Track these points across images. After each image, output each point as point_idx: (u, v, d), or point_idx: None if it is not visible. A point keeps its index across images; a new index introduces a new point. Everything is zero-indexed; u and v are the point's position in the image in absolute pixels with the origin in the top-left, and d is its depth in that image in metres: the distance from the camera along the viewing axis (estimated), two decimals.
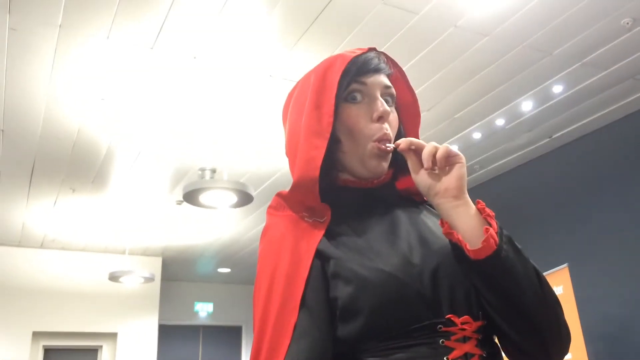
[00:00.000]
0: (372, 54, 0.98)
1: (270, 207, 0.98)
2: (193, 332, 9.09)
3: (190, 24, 2.99)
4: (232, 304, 9.20)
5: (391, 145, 0.93)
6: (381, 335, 0.83)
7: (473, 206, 0.86)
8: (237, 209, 4.97)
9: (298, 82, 1.04)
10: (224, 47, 3.20)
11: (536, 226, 4.63)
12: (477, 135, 4.44)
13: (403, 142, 0.90)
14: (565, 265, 4.06)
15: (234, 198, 4.25)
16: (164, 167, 4.68)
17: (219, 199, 4.27)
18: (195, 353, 9.08)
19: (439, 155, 0.86)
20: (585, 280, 4.03)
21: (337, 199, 0.96)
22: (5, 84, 3.40)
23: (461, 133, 4.39)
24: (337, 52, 3.33)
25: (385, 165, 0.96)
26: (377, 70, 0.97)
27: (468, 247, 0.82)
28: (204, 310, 9.17)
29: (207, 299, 9.14)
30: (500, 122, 4.25)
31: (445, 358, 0.82)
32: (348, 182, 0.98)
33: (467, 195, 0.87)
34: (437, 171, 0.88)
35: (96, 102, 3.66)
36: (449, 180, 0.86)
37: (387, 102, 0.97)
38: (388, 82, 0.98)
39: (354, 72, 0.95)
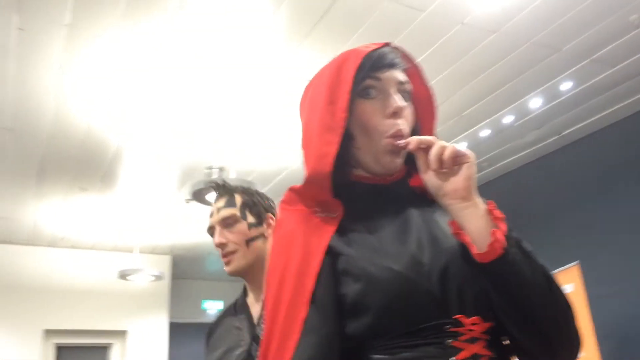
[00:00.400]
0: (387, 49, 0.97)
1: (282, 201, 0.98)
2: (204, 330, 9.10)
3: (197, 23, 2.99)
4: None
5: (405, 142, 0.92)
6: (388, 334, 0.82)
7: (482, 207, 0.84)
8: None
9: (314, 77, 1.02)
10: (231, 46, 3.20)
11: (546, 224, 4.60)
12: (485, 133, 4.41)
13: (412, 141, 0.88)
14: (575, 262, 4.03)
15: None
16: (172, 165, 4.69)
17: None
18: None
19: (445, 156, 0.84)
20: (596, 278, 4.00)
21: (349, 195, 0.95)
22: (14, 83, 3.43)
23: (469, 130, 4.36)
24: (343, 50, 3.33)
25: (399, 161, 0.95)
26: (392, 66, 0.96)
27: (474, 250, 0.81)
28: (213, 308, 9.20)
29: (216, 297, 9.16)
30: (508, 119, 4.23)
31: (452, 358, 0.81)
32: (361, 178, 0.97)
33: (477, 196, 0.85)
34: (445, 171, 0.86)
35: (104, 101, 3.68)
36: (457, 181, 0.85)
37: (402, 97, 0.96)
38: (403, 78, 0.97)
39: (369, 68, 0.94)
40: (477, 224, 0.82)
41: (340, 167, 0.94)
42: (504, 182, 5.19)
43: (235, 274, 1.53)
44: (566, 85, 3.81)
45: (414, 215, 0.94)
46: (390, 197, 0.96)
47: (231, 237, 1.52)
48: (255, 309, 1.52)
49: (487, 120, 4.23)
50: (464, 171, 0.85)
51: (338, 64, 0.96)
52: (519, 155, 4.88)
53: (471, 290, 0.85)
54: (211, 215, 1.60)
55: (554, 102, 4.02)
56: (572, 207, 4.50)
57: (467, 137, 4.44)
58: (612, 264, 4.06)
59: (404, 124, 0.95)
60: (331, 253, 0.88)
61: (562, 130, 4.48)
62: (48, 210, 5.62)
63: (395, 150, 0.93)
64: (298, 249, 0.88)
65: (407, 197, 0.97)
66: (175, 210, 5.76)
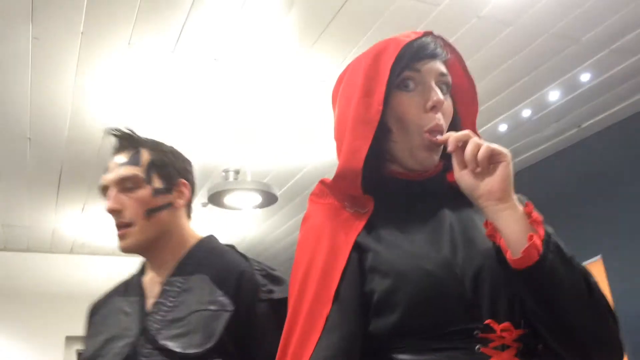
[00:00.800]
0: (428, 39, 0.93)
1: (312, 194, 0.96)
2: None
3: (209, 26, 2.98)
4: None
5: (443, 138, 0.87)
6: (415, 334, 0.80)
7: (520, 209, 0.80)
8: (262, 209, 4.96)
9: (349, 65, 0.99)
10: (244, 48, 3.19)
11: (567, 218, 4.52)
12: (503, 128, 4.36)
13: (451, 141, 0.84)
14: (598, 257, 3.97)
15: (258, 198, 4.24)
16: None
17: (244, 200, 4.27)
18: None
19: (480, 156, 0.80)
20: (619, 272, 3.93)
21: (382, 190, 0.92)
22: (30, 92, 3.45)
23: (486, 126, 4.31)
24: (357, 49, 3.31)
25: (436, 157, 0.91)
26: (432, 57, 0.92)
27: (509, 255, 0.77)
28: None
29: None
30: (526, 113, 4.17)
31: None
32: (396, 174, 0.94)
33: (514, 198, 0.81)
34: (480, 170, 0.82)
35: (120, 107, 3.69)
36: (492, 182, 0.80)
37: (441, 90, 0.92)
38: (444, 69, 0.93)
39: (408, 58, 0.90)
40: (513, 228, 0.78)
41: (374, 162, 0.91)
42: (523, 176, 5.12)
43: (131, 251, 1.24)
44: (585, 77, 3.74)
45: (449, 213, 0.90)
46: (425, 194, 0.93)
47: (129, 204, 1.21)
48: (152, 291, 1.22)
49: (505, 115, 4.18)
50: (500, 171, 0.81)
51: (375, 54, 0.91)
52: (538, 149, 4.82)
53: (505, 295, 0.81)
54: (107, 170, 1.26)
55: (573, 94, 3.95)
56: (593, 201, 4.43)
57: (484, 133, 4.38)
58: (636, 258, 3.98)
59: (442, 118, 0.91)
60: (359, 249, 0.85)
61: (582, 123, 4.40)
62: (67, 217, 5.67)
63: (433, 146, 0.89)
64: (325, 244, 0.86)
65: (443, 194, 0.93)
66: (193, 215, 5.77)
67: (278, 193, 4.46)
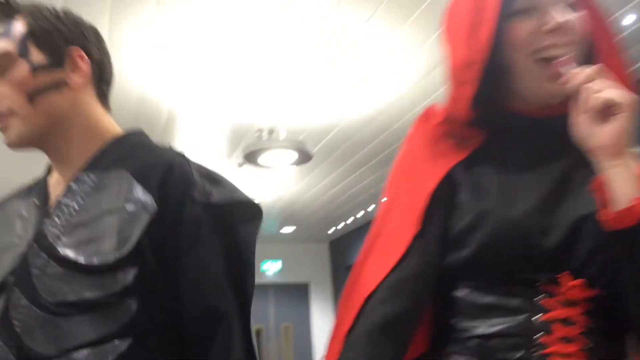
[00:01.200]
0: None
1: (420, 116, 0.93)
2: (262, 291, 9.34)
3: None
4: (298, 261, 9.36)
5: (569, 69, 0.77)
6: (482, 276, 0.79)
7: (634, 168, 0.72)
8: (297, 168, 4.98)
9: (452, 1, 0.90)
10: (273, 6, 3.14)
11: None
12: None
13: (575, 86, 0.74)
14: None
15: (293, 156, 4.26)
16: (224, 130, 4.72)
17: (279, 158, 4.29)
18: (266, 311, 9.35)
19: (592, 105, 0.72)
20: None
21: (497, 125, 0.87)
22: None
23: None
24: (386, 2, 3.21)
25: (562, 88, 0.79)
26: None
27: (602, 214, 0.71)
28: (271, 270, 9.39)
29: (274, 257, 9.34)
30: None
31: (535, 317, 0.75)
32: (515, 109, 0.87)
33: (628, 154, 0.73)
34: (594, 119, 0.73)
35: (152, 69, 3.71)
36: (605, 135, 0.72)
37: (565, 10, 0.81)
38: None
39: None
40: (622, 186, 0.71)
41: (492, 101, 0.85)
42: None
43: (19, 146, 0.97)
44: (629, 19, 3.57)
45: (563, 158, 0.83)
46: (543, 134, 0.85)
47: (2, 89, 0.94)
48: (56, 191, 0.99)
49: None
50: (615, 124, 0.71)
51: None
52: None
53: (602, 252, 0.75)
54: None
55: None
56: None
57: None
58: None
59: (569, 42, 0.81)
60: (449, 181, 0.84)
61: None
62: None
63: (557, 75, 0.79)
64: (418, 171, 0.86)
65: (563, 136, 0.80)
66: (228, 175, 5.83)
67: (313, 151, 4.46)
